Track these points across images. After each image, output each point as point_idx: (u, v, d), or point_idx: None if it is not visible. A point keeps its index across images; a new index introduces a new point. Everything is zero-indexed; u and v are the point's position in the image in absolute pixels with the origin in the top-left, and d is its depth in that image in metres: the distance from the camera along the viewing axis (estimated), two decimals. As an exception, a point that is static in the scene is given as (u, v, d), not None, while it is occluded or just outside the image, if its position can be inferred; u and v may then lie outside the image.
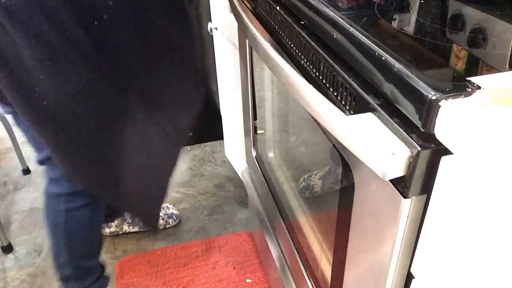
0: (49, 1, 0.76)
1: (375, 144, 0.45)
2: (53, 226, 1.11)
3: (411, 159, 0.43)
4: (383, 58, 0.47)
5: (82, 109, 0.86)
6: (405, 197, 0.46)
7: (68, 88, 0.83)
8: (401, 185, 0.46)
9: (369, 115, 0.49)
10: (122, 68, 0.89)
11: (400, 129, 0.45)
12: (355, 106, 0.53)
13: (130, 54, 0.89)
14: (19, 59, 0.80)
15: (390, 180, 0.48)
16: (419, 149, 0.42)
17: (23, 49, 0.79)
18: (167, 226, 1.56)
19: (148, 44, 0.91)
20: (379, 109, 0.48)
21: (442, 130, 0.40)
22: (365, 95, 0.51)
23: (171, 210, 1.58)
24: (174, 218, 1.57)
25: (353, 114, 0.53)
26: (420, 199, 0.47)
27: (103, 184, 1.01)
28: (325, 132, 0.68)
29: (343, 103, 0.56)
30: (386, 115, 0.47)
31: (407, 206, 0.47)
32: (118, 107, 0.91)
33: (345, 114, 0.49)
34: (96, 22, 0.80)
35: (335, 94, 0.58)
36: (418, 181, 0.45)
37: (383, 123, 0.47)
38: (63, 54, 0.80)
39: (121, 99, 0.92)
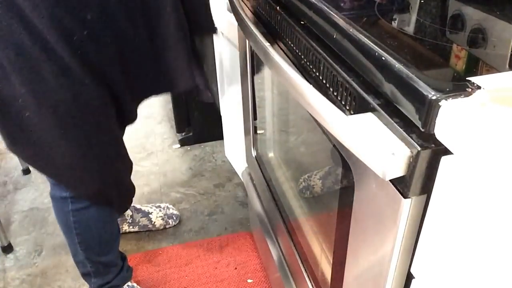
0: (27, 13, 0.74)
1: (375, 144, 0.45)
2: (65, 227, 1.12)
3: (411, 159, 0.43)
4: (383, 58, 0.47)
5: (65, 120, 0.86)
6: (405, 197, 0.46)
7: (51, 100, 0.83)
8: (401, 185, 0.46)
9: (369, 115, 0.49)
10: (105, 80, 0.89)
11: (400, 129, 0.45)
12: (355, 106, 0.53)
13: (111, 67, 0.88)
14: (3, 71, 0.79)
15: (390, 180, 0.48)
16: (419, 149, 0.42)
17: (2, 61, 0.78)
18: (167, 226, 1.56)
19: (129, 58, 0.91)
20: (379, 109, 0.48)
21: (442, 130, 0.40)
22: (365, 95, 0.51)
23: (171, 210, 1.58)
24: (174, 218, 1.57)
25: (353, 114, 0.53)
26: (420, 199, 0.47)
27: (87, 187, 1.01)
28: (325, 132, 0.68)
29: (343, 103, 0.56)
30: (386, 115, 0.47)
31: (407, 206, 0.47)
32: (101, 116, 0.92)
33: (345, 114, 0.49)
34: (75, 37, 0.79)
35: (335, 94, 0.58)
36: (418, 181, 0.45)
37: (383, 123, 0.47)
38: (44, 67, 0.79)
39: (105, 109, 0.92)
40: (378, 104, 0.49)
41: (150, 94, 1.05)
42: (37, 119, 0.84)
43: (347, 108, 0.55)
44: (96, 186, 1.01)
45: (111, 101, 0.93)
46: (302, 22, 0.68)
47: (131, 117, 1.05)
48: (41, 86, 0.80)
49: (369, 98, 0.50)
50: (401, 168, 0.44)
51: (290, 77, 0.58)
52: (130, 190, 1.19)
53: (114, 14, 0.84)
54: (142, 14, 0.88)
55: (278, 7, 0.76)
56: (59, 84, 0.81)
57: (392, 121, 0.46)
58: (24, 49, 0.77)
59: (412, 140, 0.43)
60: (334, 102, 0.51)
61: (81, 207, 1.07)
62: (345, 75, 0.54)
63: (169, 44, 0.96)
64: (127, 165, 1.11)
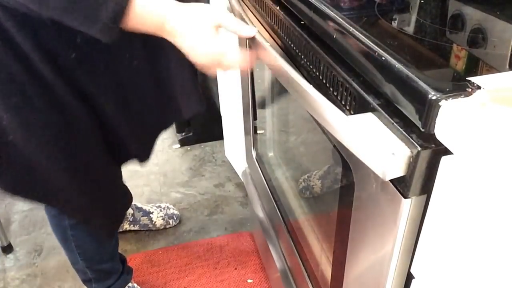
0: (12, 34, 0.69)
1: (375, 144, 0.45)
2: (63, 240, 1.11)
3: (411, 159, 0.43)
4: (383, 58, 0.47)
5: (51, 144, 0.80)
6: (405, 197, 0.46)
7: (37, 123, 0.77)
8: (401, 185, 0.46)
9: (369, 115, 0.49)
10: (96, 105, 0.82)
11: (400, 129, 0.45)
12: (355, 106, 0.53)
13: (104, 92, 0.82)
14: None
15: (390, 180, 0.48)
16: (419, 149, 0.42)
17: None
18: (168, 226, 1.56)
19: (125, 83, 0.84)
20: (379, 109, 0.48)
21: (442, 130, 0.40)
22: (365, 95, 0.51)
23: (171, 210, 1.58)
24: (175, 218, 1.57)
25: (353, 114, 0.53)
26: (420, 199, 0.47)
27: (74, 211, 0.97)
28: (325, 132, 0.68)
29: (343, 103, 0.56)
30: (386, 115, 0.47)
31: (407, 206, 0.47)
32: (90, 141, 0.86)
33: (345, 114, 0.49)
34: (61, 60, 0.74)
35: (335, 94, 0.58)
36: (418, 181, 0.45)
37: (383, 123, 0.47)
38: (30, 90, 0.73)
39: (95, 135, 0.86)
40: (378, 104, 0.49)
41: (156, 126, 0.98)
42: (21, 142, 0.79)
43: (347, 108, 0.55)
44: (82, 211, 0.96)
45: (103, 129, 0.86)
46: (302, 22, 0.68)
47: (137, 154, 0.97)
48: (27, 108, 0.75)
49: (369, 98, 0.50)
50: (401, 168, 0.44)
51: (290, 77, 0.58)
52: (119, 218, 1.12)
53: None
54: (140, 35, 0.83)
55: (278, 7, 0.76)
56: (46, 107, 0.76)
57: (392, 121, 0.46)
58: (8, 71, 0.71)
59: (412, 140, 0.43)
60: (334, 102, 0.51)
61: (77, 222, 1.05)
62: (345, 75, 0.54)
63: (173, 66, 0.90)
64: (119, 193, 1.05)
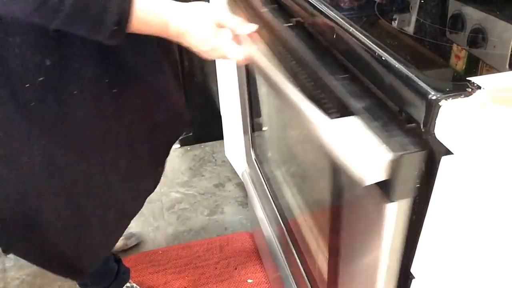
0: None
1: (354, 148, 0.44)
2: None
3: (393, 163, 0.42)
4: (383, 58, 0.47)
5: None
6: (389, 201, 0.45)
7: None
8: (385, 188, 0.45)
9: (352, 119, 0.48)
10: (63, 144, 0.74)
11: (384, 133, 0.44)
12: (340, 109, 0.52)
13: (81, 136, 0.74)
14: None
15: (376, 184, 0.47)
16: (401, 153, 0.42)
17: None
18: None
19: (103, 118, 0.75)
20: (363, 112, 0.47)
21: (442, 130, 0.40)
22: (350, 98, 0.50)
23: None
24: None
25: (338, 117, 0.52)
26: (406, 202, 0.46)
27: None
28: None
29: (329, 105, 0.55)
30: (370, 118, 0.46)
31: (391, 209, 0.46)
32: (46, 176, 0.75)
33: (330, 117, 0.48)
34: (27, 85, 0.66)
35: (321, 96, 0.57)
36: (403, 185, 0.44)
37: (367, 127, 0.47)
38: None
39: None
40: (362, 107, 0.48)
41: (155, 162, 0.91)
42: None
43: (334, 111, 0.54)
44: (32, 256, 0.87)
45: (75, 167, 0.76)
46: (289, 24, 0.68)
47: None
48: None
49: (354, 101, 0.49)
50: (382, 172, 0.43)
51: (275, 80, 0.57)
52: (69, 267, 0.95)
53: (80, 59, 0.69)
54: (116, 58, 0.74)
55: (266, 9, 0.75)
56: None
57: (376, 124, 0.45)
58: None
59: (395, 144, 0.43)
60: (320, 105, 0.51)
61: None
62: (332, 78, 0.54)
63: (162, 81, 0.85)
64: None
